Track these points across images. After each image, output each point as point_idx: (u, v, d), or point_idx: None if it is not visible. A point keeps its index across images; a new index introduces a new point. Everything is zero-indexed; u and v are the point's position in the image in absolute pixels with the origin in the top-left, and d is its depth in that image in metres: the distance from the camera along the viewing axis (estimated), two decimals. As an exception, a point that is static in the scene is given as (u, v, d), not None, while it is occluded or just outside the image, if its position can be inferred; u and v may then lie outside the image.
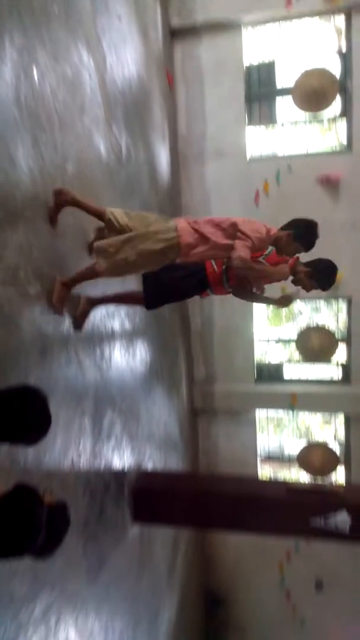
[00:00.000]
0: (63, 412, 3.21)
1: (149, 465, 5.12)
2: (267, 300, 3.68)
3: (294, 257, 3.48)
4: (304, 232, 3.26)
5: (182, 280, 3.63)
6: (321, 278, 3.43)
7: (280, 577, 8.05)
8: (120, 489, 4.25)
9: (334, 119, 7.45)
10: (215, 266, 3.65)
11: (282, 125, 7.60)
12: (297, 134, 7.62)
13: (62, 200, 3.10)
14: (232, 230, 3.22)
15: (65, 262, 3.26)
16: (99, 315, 3.86)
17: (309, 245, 3.27)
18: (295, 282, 3.49)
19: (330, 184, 7.02)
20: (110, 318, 4.14)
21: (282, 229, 3.30)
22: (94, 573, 3.59)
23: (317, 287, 3.45)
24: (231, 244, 3.19)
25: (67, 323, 3.27)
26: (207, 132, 7.24)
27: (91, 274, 3.21)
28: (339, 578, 7.77)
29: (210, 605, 8.27)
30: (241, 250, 3.14)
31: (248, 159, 7.31)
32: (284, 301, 3.53)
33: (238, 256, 3.13)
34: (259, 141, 7.53)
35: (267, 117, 7.58)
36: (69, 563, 3.16)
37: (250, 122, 7.42)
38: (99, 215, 3.28)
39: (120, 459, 4.29)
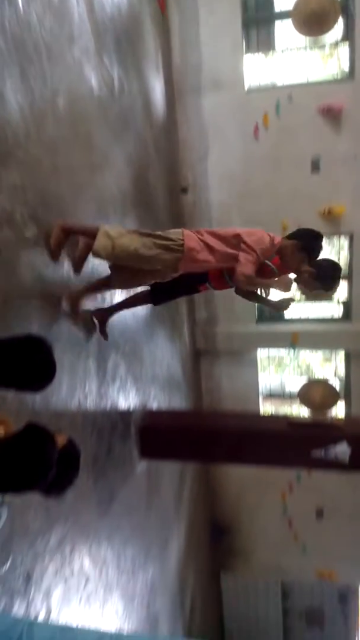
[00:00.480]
0: (68, 355, 3.24)
1: (154, 405, 5.24)
2: (267, 303, 3.66)
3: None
4: (309, 242, 3.23)
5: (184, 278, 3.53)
6: (325, 279, 3.34)
7: (282, 506, 8.42)
8: (126, 428, 4.37)
9: (336, 44, 7.05)
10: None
11: (282, 52, 7.21)
12: (297, 62, 7.24)
13: (63, 235, 3.00)
14: (236, 242, 3.18)
15: (60, 203, 3.18)
16: (97, 259, 3.81)
17: (314, 256, 3.24)
18: (298, 281, 3.44)
19: (332, 115, 6.75)
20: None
21: (288, 238, 3.27)
22: (104, 506, 3.75)
23: (321, 288, 3.37)
24: (236, 254, 3.16)
25: (66, 267, 3.24)
26: (202, 62, 6.87)
27: (91, 232, 3.08)
28: (339, 506, 8.12)
29: (216, 534, 8.71)
30: (245, 267, 3.14)
31: (246, 89, 6.98)
32: (282, 305, 3.50)
33: (242, 273, 3.14)
34: (258, 70, 7.16)
35: (266, 44, 7.18)
36: (80, 497, 3.30)
37: (248, 50, 7.03)
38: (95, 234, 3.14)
39: (126, 399, 4.38)
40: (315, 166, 6.96)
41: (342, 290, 7.67)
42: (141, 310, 4.95)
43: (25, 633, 1.41)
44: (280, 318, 8.08)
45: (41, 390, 1.90)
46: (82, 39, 3.62)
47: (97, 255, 3.08)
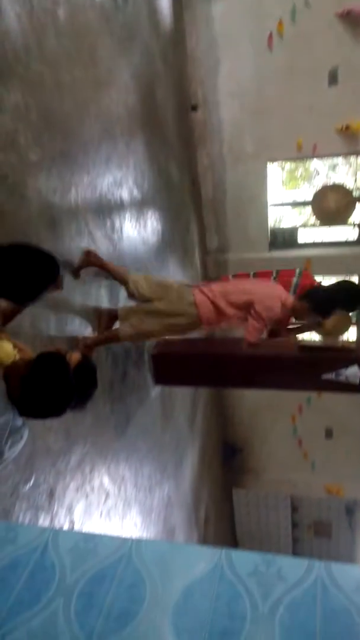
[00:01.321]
0: (79, 283, 3.23)
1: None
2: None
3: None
4: (320, 304, 3.23)
5: None
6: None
7: (292, 427, 8.70)
8: (140, 355, 4.45)
9: None
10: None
11: None
12: None
13: (88, 261, 3.19)
14: (247, 307, 3.28)
15: (65, 124, 3.04)
16: (106, 185, 3.70)
17: (325, 314, 3.29)
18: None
19: (352, 20, 6.22)
20: (118, 187, 3.97)
21: (300, 299, 3.31)
22: (121, 428, 3.90)
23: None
24: (245, 317, 3.31)
25: (73, 191, 3.15)
26: None
27: (113, 338, 3.43)
28: (348, 426, 8.35)
29: (228, 453, 9.10)
30: (251, 335, 3.32)
31: (261, -6, 6.41)
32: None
33: (247, 341, 3.35)
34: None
35: None
36: (97, 421, 3.42)
37: None
38: (122, 280, 3.43)
39: (139, 327, 4.41)
40: (333, 78, 6.52)
41: (357, 212, 7.45)
42: (152, 237, 4.87)
43: (51, 540, 1.51)
44: (293, 243, 7.93)
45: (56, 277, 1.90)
46: None
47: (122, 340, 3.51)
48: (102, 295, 3.60)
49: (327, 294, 3.25)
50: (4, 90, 2.42)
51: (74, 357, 1.82)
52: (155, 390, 4.82)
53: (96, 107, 3.54)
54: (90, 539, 1.52)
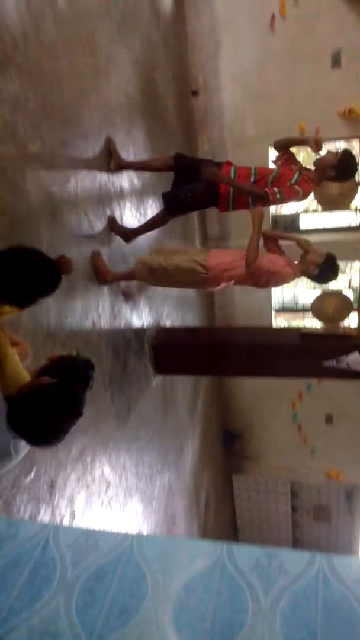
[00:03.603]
0: (80, 276, 3.22)
1: (167, 323, 5.29)
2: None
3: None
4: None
5: (198, 197, 3.82)
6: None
7: (292, 414, 8.75)
8: (141, 345, 4.45)
9: None
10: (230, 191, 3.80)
11: None
12: None
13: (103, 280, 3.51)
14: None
15: (64, 113, 3.00)
16: (105, 174, 3.67)
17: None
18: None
19: (356, 0, 6.10)
20: (118, 176, 3.93)
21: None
22: (122, 418, 3.92)
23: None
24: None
25: (73, 181, 3.12)
26: None
27: (130, 274, 3.77)
28: (348, 412, 8.39)
29: (229, 440, 9.16)
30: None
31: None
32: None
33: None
34: None
35: None
36: (99, 412, 3.44)
37: None
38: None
39: (139, 318, 4.41)
40: (336, 61, 6.42)
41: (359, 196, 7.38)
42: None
43: (52, 538, 1.53)
44: (295, 229, 7.88)
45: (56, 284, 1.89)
46: None
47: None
48: (102, 286, 3.59)
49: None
50: (2, 80, 2.38)
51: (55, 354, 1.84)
52: (156, 380, 4.83)
53: (96, 95, 3.49)
54: (91, 535, 1.53)
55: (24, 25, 2.56)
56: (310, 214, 8.17)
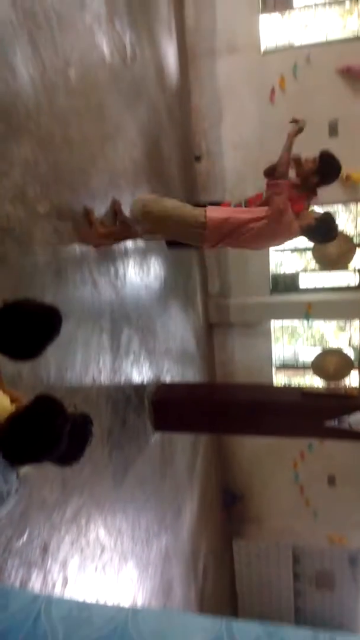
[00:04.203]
0: (81, 330, 3.24)
1: (167, 378, 5.27)
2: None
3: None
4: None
5: None
6: (326, 174, 3.56)
7: (294, 474, 8.53)
8: (140, 401, 4.41)
9: (357, 0, 6.72)
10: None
11: (299, 10, 6.89)
12: (315, 20, 6.92)
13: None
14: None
15: (73, 176, 3.13)
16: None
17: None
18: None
19: (351, 75, 6.48)
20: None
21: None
22: (119, 477, 3.82)
23: (318, 178, 3.58)
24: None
25: (78, 247, 3.20)
26: (216, 24, 6.60)
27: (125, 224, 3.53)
28: (351, 473, 8.20)
29: (229, 501, 8.88)
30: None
31: (262, 51, 6.72)
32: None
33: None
34: (274, 31, 6.86)
35: (283, 3, 6.85)
36: (95, 470, 3.36)
37: (265, 9, 6.72)
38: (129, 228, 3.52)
39: (140, 373, 4.40)
40: (333, 130, 6.74)
41: (357, 257, 7.55)
42: (154, 283, 4.92)
43: (44, 610, 1.46)
44: (294, 288, 8.00)
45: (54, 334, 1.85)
46: (94, 4, 3.48)
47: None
48: (103, 341, 3.60)
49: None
50: (15, 145, 2.50)
51: (71, 411, 1.81)
52: (155, 437, 4.75)
53: (103, 160, 3.65)
54: (85, 608, 1.47)
55: (37, 96, 2.71)
56: (309, 273, 8.32)
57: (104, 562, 3.41)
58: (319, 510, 8.60)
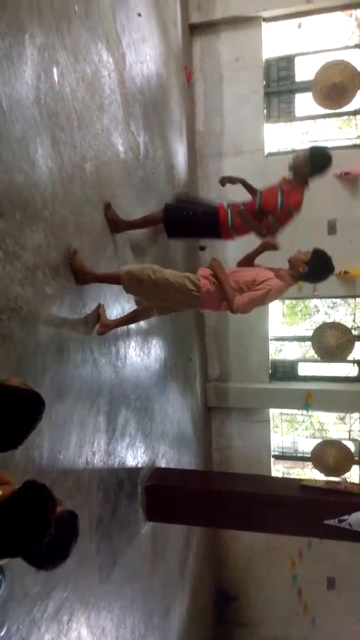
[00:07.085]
0: (78, 410, 3.22)
1: (162, 463, 5.14)
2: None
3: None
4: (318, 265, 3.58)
5: (200, 217, 4.18)
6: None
7: (292, 574, 8.04)
8: (133, 486, 4.27)
9: (354, 113, 7.34)
10: (229, 214, 4.31)
11: (302, 121, 7.50)
12: (316, 128, 7.52)
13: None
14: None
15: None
16: (114, 313, 3.87)
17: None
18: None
19: (349, 180, 6.92)
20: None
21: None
22: (106, 571, 3.62)
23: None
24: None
25: (82, 322, 3.28)
26: (224, 129, 7.17)
27: (113, 276, 3.42)
28: (352, 576, 7.75)
29: (221, 602, 8.30)
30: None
31: (266, 154, 7.23)
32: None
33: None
34: (278, 137, 7.44)
35: (286, 113, 7.48)
36: (82, 561, 3.19)
37: (269, 119, 7.33)
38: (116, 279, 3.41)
39: (134, 457, 4.30)
40: (332, 228, 7.08)
41: (357, 349, 7.62)
42: (154, 365, 4.95)
43: None
44: (294, 376, 8.00)
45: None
46: (112, 108, 3.82)
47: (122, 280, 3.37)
48: (100, 422, 3.56)
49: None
50: (30, 231, 2.64)
51: (60, 508, 1.75)
52: (146, 527, 4.55)
53: (112, 247, 3.83)
54: None
55: (54, 186, 2.90)
56: (308, 363, 8.37)
57: (83, 666, 3.15)
58: (318, 617, 8.01)
